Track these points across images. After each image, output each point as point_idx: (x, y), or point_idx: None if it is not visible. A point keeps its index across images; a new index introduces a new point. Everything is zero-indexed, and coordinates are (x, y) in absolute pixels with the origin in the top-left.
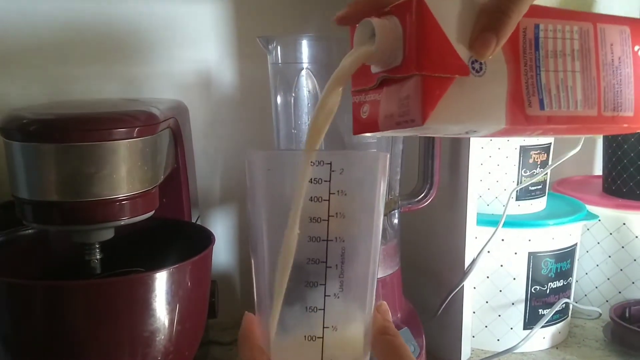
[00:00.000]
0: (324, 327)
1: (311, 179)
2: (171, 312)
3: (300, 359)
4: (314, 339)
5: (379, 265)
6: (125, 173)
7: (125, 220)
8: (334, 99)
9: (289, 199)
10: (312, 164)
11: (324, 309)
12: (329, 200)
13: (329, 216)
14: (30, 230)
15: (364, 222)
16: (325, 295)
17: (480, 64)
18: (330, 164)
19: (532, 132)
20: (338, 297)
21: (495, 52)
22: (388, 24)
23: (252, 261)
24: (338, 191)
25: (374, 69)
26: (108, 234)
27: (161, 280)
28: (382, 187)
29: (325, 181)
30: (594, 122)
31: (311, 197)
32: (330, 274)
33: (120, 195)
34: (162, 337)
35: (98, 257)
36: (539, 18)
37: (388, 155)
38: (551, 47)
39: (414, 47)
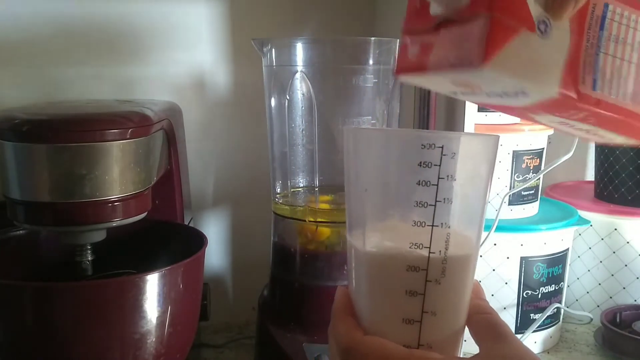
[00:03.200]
0: (422, 312)
1: (420, 162)
2: (163, 314)
3: (396, 340)
4: (412, 322)
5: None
6: (117, 174)
7: (117, 222)
8: None
9: (392, 176)
10: (423, 147)
11: (424, 294)
12: (437, 185)
13: (436, 201)
14: (21, 231)
15: (471, 207)
16: (426, 281)
17: (546, 26)
18: (442, 147)
19: (579, 110)
20: (439, 283)
21: (571, 15)
22: None
23: (349, 235)
24: (447, 176)
25: (434, 10)
26: (100, 236)
27: (153, 282)
28: (492, 172)
29: (435, 165)
30: (637, 120)
31: (419, 181)
32: (433, 260)
33: (113, 197)
34: (154, 340)
35: (89, 258)
36: None
37: (499, 138)
38: (615, 31)
39: None
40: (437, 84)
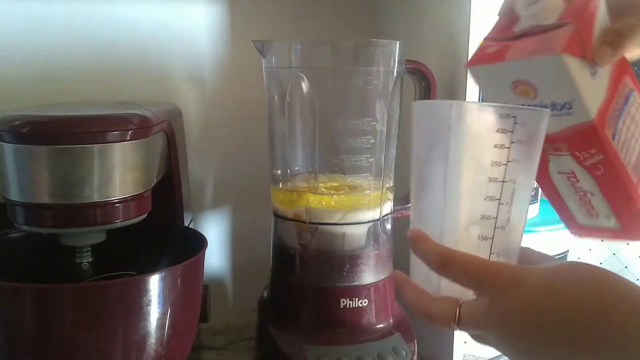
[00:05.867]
0: (490, 254)
1: (498, 129)
2: (163, 316)
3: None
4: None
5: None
6: (117, 176)
7: (117, 223)
8: None
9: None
10: (500, 116)
11: (492, 238)
12: (509, 147)
13: (507, 161)
14: (21, 233)
15: (529, 168)
16: (495, 227)
17: (594, 68)
18: (515, 117)
19: (599, 146)
20: (504, 229)
21: (607, 64)
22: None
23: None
24: (517, 140)
25: (521, 26)
26: (100, 237)
27: (153, 283)
28: (542, 140)
29: (509, 132)
30: (632, 189)
31: (495, 145)
32: (501, 210)
33: (113, 198)
34: (154, 341)
35: (89, 260)
36: (636, 87)
37: (550, 113)
38: (633, 110)
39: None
40: (498, 78)
